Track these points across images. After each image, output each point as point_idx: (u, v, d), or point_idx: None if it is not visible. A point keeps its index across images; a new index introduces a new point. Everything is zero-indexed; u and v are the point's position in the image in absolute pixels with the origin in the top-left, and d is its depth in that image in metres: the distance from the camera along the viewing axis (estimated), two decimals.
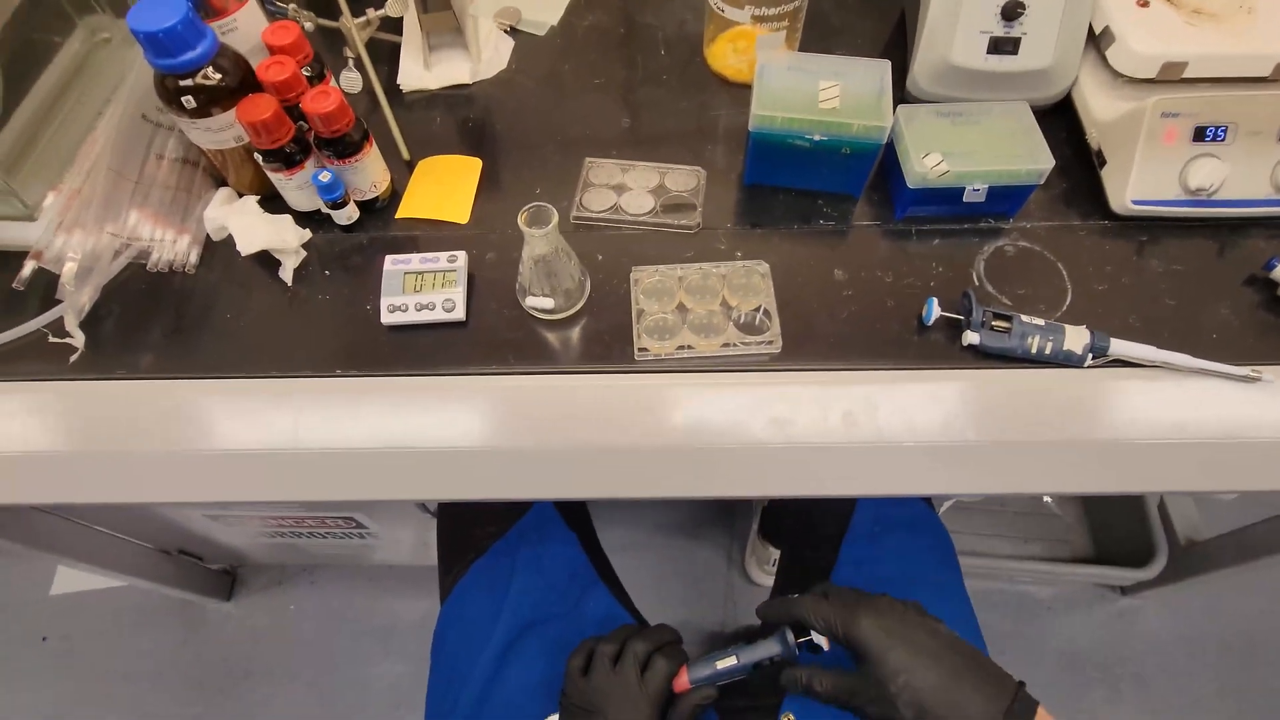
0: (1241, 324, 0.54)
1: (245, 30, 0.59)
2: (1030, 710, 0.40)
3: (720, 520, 1.32)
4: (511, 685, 0.57)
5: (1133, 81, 0.58)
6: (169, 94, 0.52)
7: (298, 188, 0.57)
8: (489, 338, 0.54)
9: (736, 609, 1.24)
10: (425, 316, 0.54)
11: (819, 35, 0.71)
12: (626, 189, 0.61)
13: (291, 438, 0.51)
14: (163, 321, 0.56)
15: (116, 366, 0.54)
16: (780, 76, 0.58)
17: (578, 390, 0.52)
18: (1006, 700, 0.40)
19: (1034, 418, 0.51)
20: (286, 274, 0.57)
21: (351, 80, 0.67)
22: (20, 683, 1.20)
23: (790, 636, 0.50)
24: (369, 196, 0.60)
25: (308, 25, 0.64)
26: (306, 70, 0.58)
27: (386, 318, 0.54)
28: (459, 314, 0.54)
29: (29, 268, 0.55)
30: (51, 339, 0.54)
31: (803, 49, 0.68)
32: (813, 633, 0.49)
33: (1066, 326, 0.52)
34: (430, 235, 0.60)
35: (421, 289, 0.54)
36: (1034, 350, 0.52)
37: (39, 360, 0.54)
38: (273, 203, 0.59)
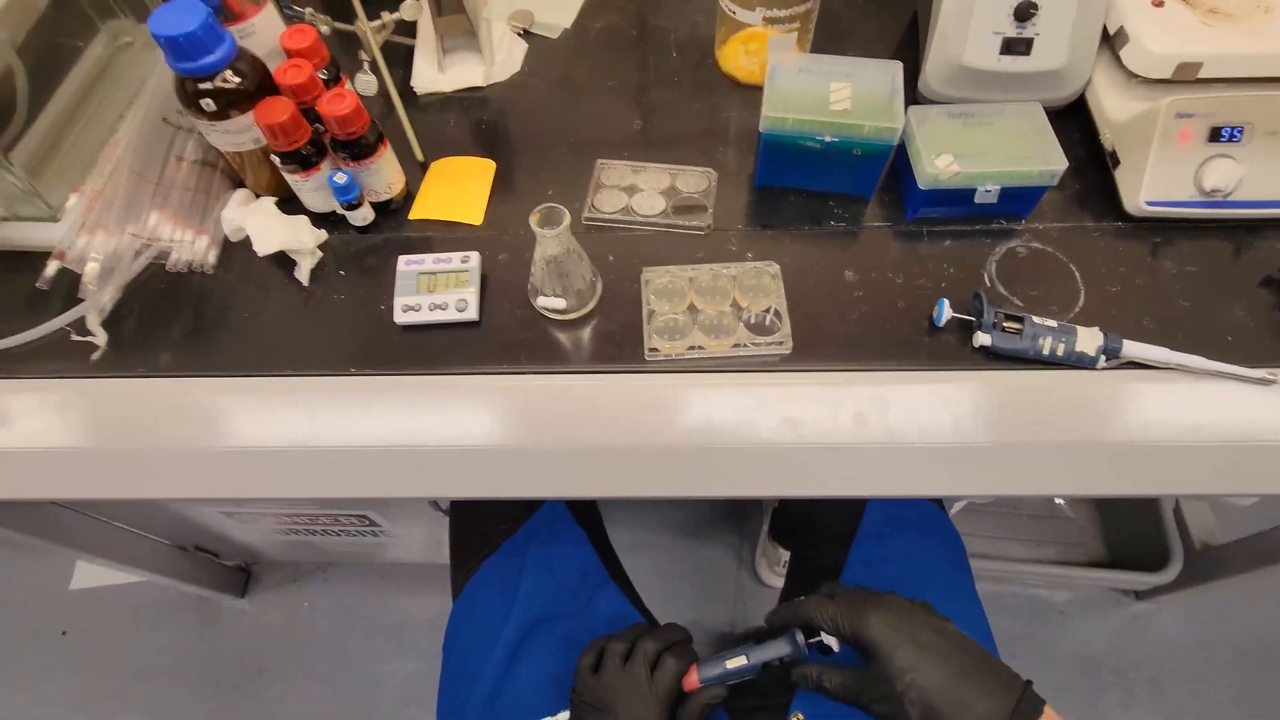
0: (1257, 326, 0.54)
1: (263, 34, 0.60)
2: (1037, 709, 0.40)
3: (730, 521, 1.32)
4: (522, 681, 0.57)
5: (1147, 82, 0.57)
6: (189, 97, 0.53)
7: (314, 189, 0.58)
8: (501, 338, 0.55)
9: (746, 610, 1.24)
10: (439, 316, 0.55)
11: (830, 37, 0.71)
12: (638, 190, 0.62)
13: (307, 435, 0.52)
14: (181, 321, 0.57)
15: (137, 364, 0.55)
16: (791, 78, 0.58)
17: (589, 390, 0.53)
18: (1013, 699, 0.40)
19: (1046, 419, 0.51)
20: (302, 274, 0.58)
21: (366, 83, 0.68)
22: (40, 676, 1.22)
23: (800, 637, 0.50)
24: (384, 198, 0.60)
25: (324, 29, 0.65)
26: (323, 73, 0.58)
27: (400, 317, 0.55)
28: (472, 314, 0.55)
29: (52, 267, 0.56)
30: (74, 337, 0.55)
31: (814, 50, 0.69)
32: (822, 634, 0.49)
33: (1079, 328, 0.52)
34: (444, 236, 0.61)
35: (435, 289, 0.55)
36: (1046, 352, 0.52)
37: (61, 358, 0.55)
38: (289, 204, 0.60)
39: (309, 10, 0.66)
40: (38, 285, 0.56)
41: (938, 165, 0.55)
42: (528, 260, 0.54)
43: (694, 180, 0.62)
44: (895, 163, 0.60)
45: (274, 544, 1.12)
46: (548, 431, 0.51)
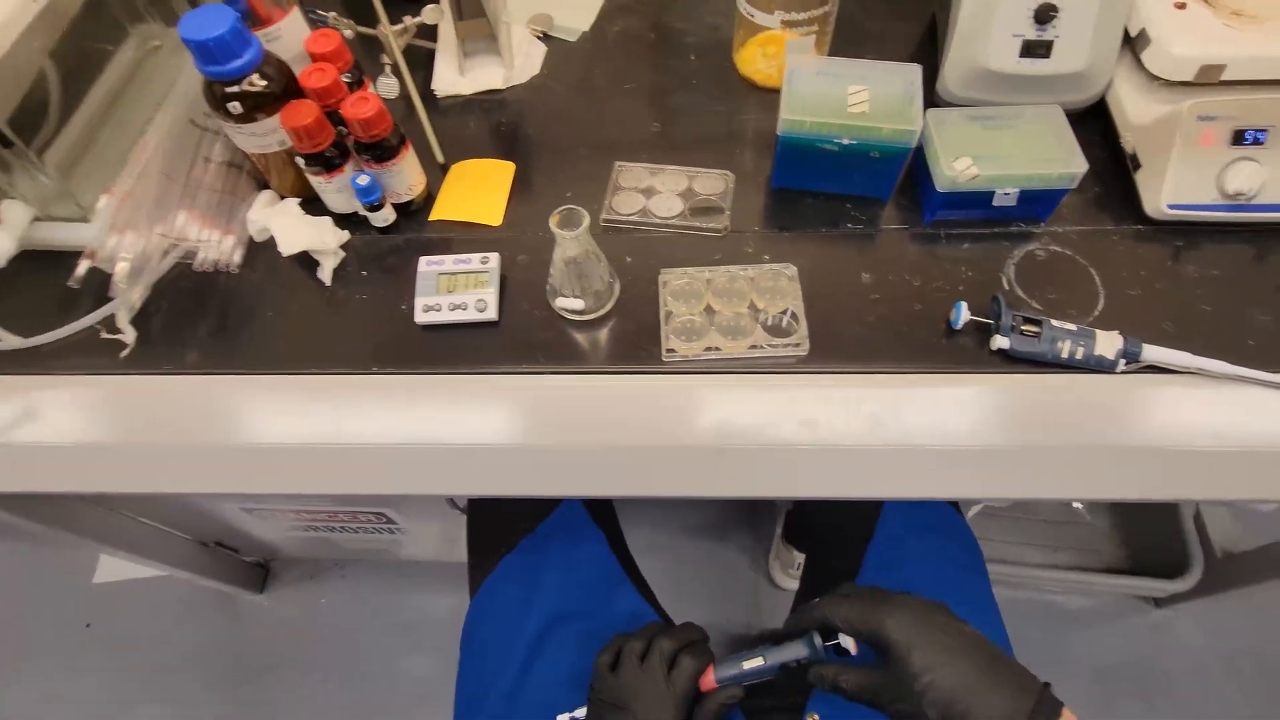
0: None
1: (289, 38, 0.61)
2: (1055, 711, 0.40)
3: (745, 523, 1.32)
4: (541, 677, 0.58)
5: (1169, 84, 0.57)
6: (216, 100, 0.54)
7: (337, 190, 0.59)
8: (520, 338, 0.56)
9: (761, 612, 1.24)
10: (458, 316, 0.55)
11: (848, 40, 0.71)
12: (655, 192, 0.62)
13: (329, 432, 0.53)
14: (208, 319, 0.58)
15: (164, 362, 0.56)
16: (809, 81, 0.58)
17: (606, 390, 0.53)
18: (1031, 700, 0.40)
19: (1064, 422, 0.51)
20: (325, 274, 0.59)
21: (388, 86, 0.69)
22: (65, 666, 1.24)
23: (817, 639, 0.50)
24: (405, 199, 0.61)
25: (347, 33, 0.65)
26: (346, 77, 0.59)
27: (421, 317, 0.56)
28: (491, 314, 0.55)
29: (83, 266, 0.57)
30: (104, 335, 0.56)
31: (832, 54, 0.69)
32: (840, 636, 0.49)
33: (1098, 331, 0.52)
34: (463, 237, 0.61)
35: (455, 289, 0.56)
36: (1065, 355, 0.52)
37: (91, 355, 0.56)
38: (312, 205, 0.61)
39: (333, 15, 0.67)
40: (69, 284, 0.57)
41: (956, 168, 0.55)
42: (546, 261, 0.55)
43: (711, 182, 0.62)
44: (912, 165, 0.60)
45: (292, 541, 1.13)
46: (565, 431, 0.52)
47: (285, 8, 0.61)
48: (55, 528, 0.79)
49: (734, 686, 0.52)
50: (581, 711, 0.54)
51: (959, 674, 0.41)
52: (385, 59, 0.69)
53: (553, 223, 0.49)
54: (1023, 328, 0.52)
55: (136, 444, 0.54)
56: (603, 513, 0.71)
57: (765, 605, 1.24)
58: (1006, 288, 0.56)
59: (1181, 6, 0.57)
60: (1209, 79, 0.55)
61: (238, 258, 0.60)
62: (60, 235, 0.59)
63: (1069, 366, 0.52)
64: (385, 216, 0.60)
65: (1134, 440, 0.50)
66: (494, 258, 0.57)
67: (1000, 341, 0.52)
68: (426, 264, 0.57)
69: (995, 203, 0.57)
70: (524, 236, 0.61)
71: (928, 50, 0.70)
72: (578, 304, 0.54)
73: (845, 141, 0.56)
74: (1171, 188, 0.55)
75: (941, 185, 0.56)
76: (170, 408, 0.54)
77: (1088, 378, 0.52)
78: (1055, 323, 0.52)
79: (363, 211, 0.60)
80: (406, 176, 0.60)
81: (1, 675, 1.24)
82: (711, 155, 0.65)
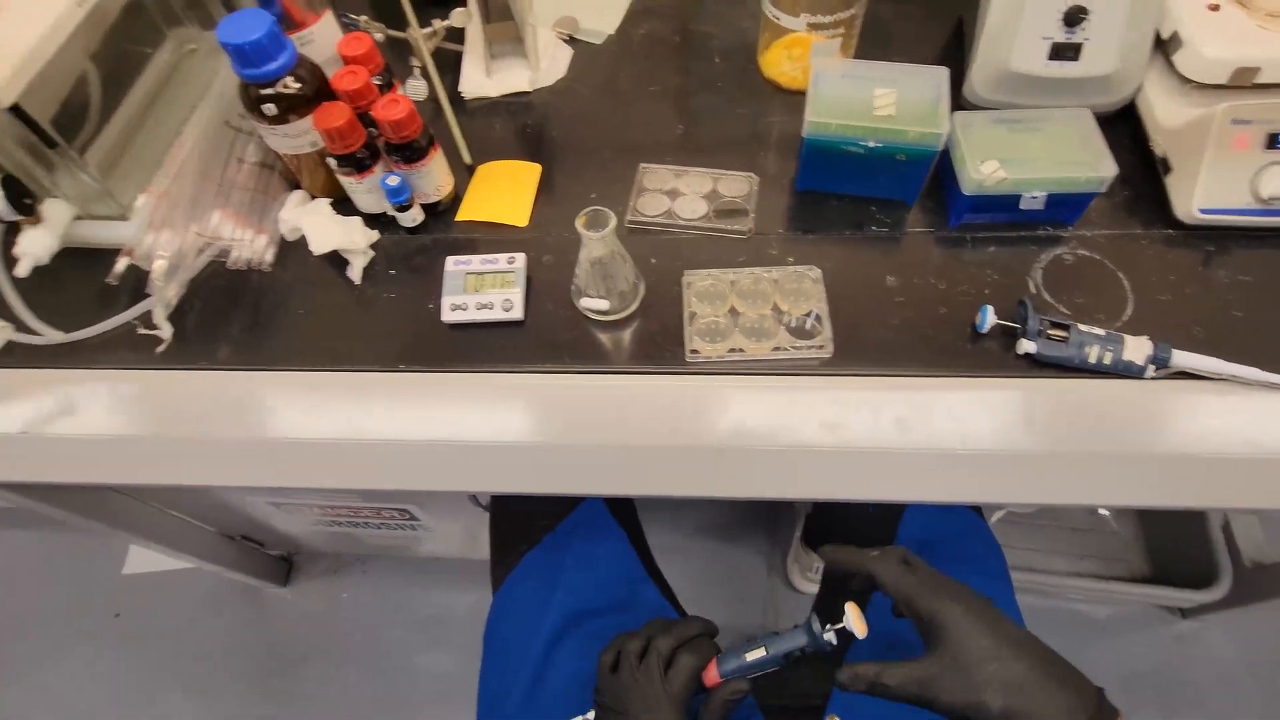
0: None
1: (321, 42, 0.62)
2: (1113, 716, 0.39)
3: (763, 525, 1.31)
4: (562, 673, 0.58)
5: (1201, 87, 0.56)
6: (252, 102, 0.55)
7: (367, 191, 0.60)
8: (545, 337, 0.56)
9: (779, 616, 1.23)
10: (485, 315, 0.56)
11: (873, 42, 0.71)
12: (680, 194, 0.62)
13: (357, 428, 0.54)
14: (240, 316, 0.59)
15: (198, 357, 0.57)
16: (835, 83, 0.58)
17: (630, 390, 0.54)
18: (1092, 703, 0.39)
19: (1091, 428, 0.50)
20: (355, 273, 0.60)
21: (417, 88, 0.70)
22: (94, 655, 1.27)
23: (816, 626, 0.48)
24: (433, 199, 0.62)
25: (378, 36, 0.67)
26: (377, 79, 0.60)
27: (448, 316, 0.56)
28: (517, 314, 0.56)
29: (122, 264, 0.59)
30: (141, 331, 0.58)
31: (857, 56, 0.69)
32: (845, 620, 0.46)
33: (1127, 336, 0.51)
34: (489, 237, 0.62)
35: (481, 289, 0.57)
36: (1092, 360, 0.51)
37: (128, 350, 0.58)
38: (341, 205, 0.62)
39: (364, 18, 0.68)
40: (108, 280, 0.59)
41: (983, 171, 0.55)
42: (571, 262, 0.55)
43: (735, 184, 0.63)
44: (938, 169, 0.60)
45: (316, 535, 1.15)
46: (589, 430, 0.52)
47: (318, 11, 0.62)
48: (89, 518, 0.81)
49: (739, 680, 0.49)
50: (591, 715, 0.53)
51: (1023, 665, 0.39)
52: (414, 62, 0.70)
53: (579, 223, 0.49)
54: (1049, 332, 0.52)
55: (171, 437, 0.55)
56: (624, 511, 0.71)
57: (783, 609, 1.24)
58: (1033, 292, 0.56)
59: (1215, 8, 0.57)
60: (1243, 82, 0.55)
61: (270, 256, 0.61)
62: (100, 233, 0.61)
63: (1096, 372, 0.52)
64: (413, 217, 0.61)
65: (1163, 447, 0.50)
66: (520, 258, 0.58)
67: (1026, 346, 0.52)
68: (454, 264, 0.58)
69: (1022, 206, 0.57)
70: (549, 237, 0.61)
71: (954, 53, 0.70)
72: (602, 304, 0.54)
73: (871, 144, 0.56)
74: (1203, 192, 0.55)
75: (968, 188, 0.56)
76: (203, 402, 0.56)
77: (1115, 383, 0.52)
78: (1083, 327, 0.52)
79: (391, 212, 0.61)
80: (435, 177, 0.61)
81: (34, 661, 1.27)
82: (736, 157, 0.65)
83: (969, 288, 0.56)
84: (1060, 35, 0.58)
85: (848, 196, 0.62)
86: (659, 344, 0.55)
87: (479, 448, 0.53)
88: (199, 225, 0.60)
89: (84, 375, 0.57)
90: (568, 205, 0.63)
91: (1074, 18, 0.56)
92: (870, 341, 0.54)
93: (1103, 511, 1.22)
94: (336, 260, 0.61)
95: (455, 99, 0.71)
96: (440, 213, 0.64)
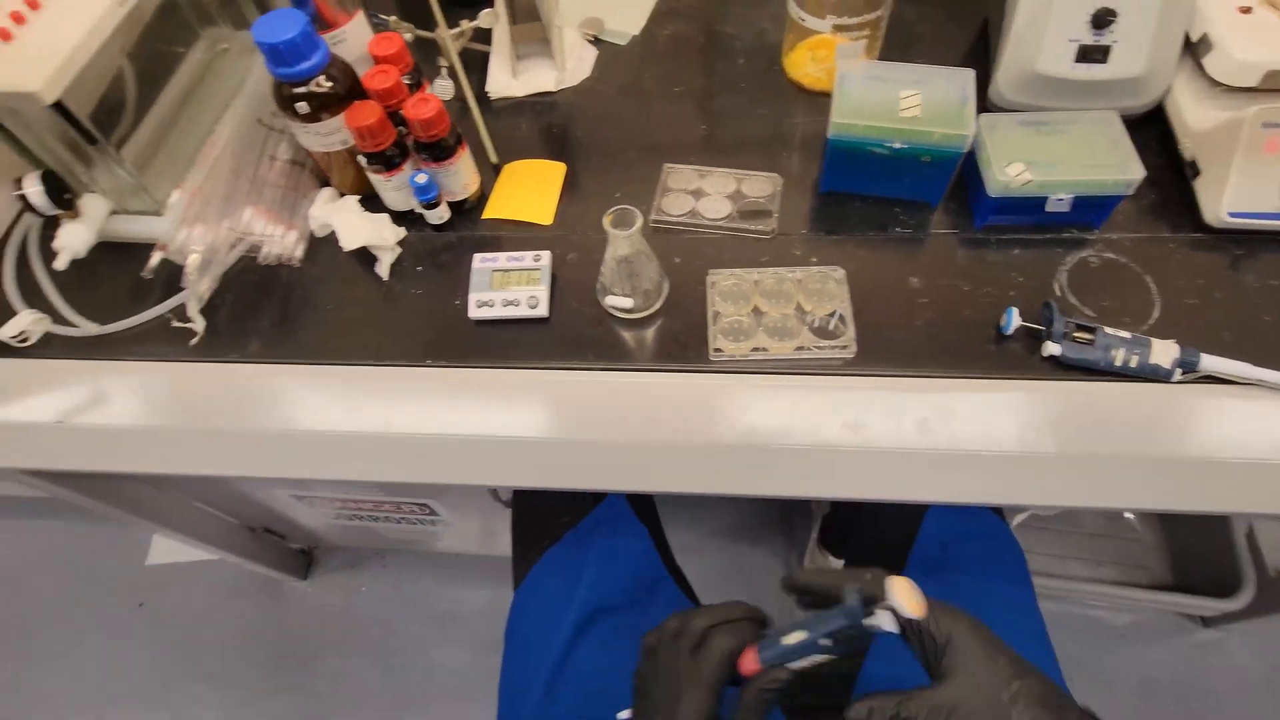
0: None
1: (353, 41, 0.63)
2: None
3: (779, 527, 1.31)
4: (583, 668, 0.58)
5: (1231, 90, 0.56)
6: (285, 100, 0.56)
7: (395, 189, 0.61)
8: (570, 334, 0.57)
9: (793, 618, 1.23)
10: (510, 312, 0.57)
11: (898, 44, 0.71)
12: (704, 194, 0.63)
13: (384, 422, 0.54)
14: (270, 310, 0.60)
15: (229, 350, 0.58)
16: (860, 84, 0.58)
17: (653, 387, 0.54)
18: None
19: (1116, 431, 0.50)
20: (383, 269, 0.61)
21: (444, 88, 0.71)
22: (117, 644, 1.29)
23: (854, 600, 0.41)
24: (459, 197, 0.63)
25: (407, 36, 0.67)
26: (406, 79, 0.61)
27: (474, 312, 0.57)
28: (542, 310, 0.57)
29: (156, 258, 0.60)
30: (174, 324, 0.59)
31: (882, 58, 0.69)
32: (891, 599, 0.40)
33: (1154, 340, 0.51)
34: (514, 235, 0.63)
35: (507, 286, 0.57)
36: (1118, 363, 0.51)
37: (161, 342, 0.59)
38: (369, 202, 0.63)
39: (393, 18, 0.69)
40: (142, 274, 0.60)
41: (1009, 173, 0.55)
42: (595, 260, 0.56)
43: (759, 185, 0.63)
44: (963, 170, 0.60)
45: (336, 529, 1.16)
46: (613, 426, 0.53)
47: (350, 11, 0.63)
48: (118, 508, 0.82)
49: (779, 669, 0.43)
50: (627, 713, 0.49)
51: (1043, 684, 0.38)
52: (442, 61, 0.71)
53: (606, 222, 0.50)
54: (1075, 334, 0.52)
55: (202, 428, 0.56)
56: (646, 509, 0.71)
57: (798, 612, 1.23)
58: (1058, 294, 0.56)
59: (1246, 10, 0.56)
60: (1274, 85, 0.54)
61: (300, 252, 0.62)
62: (135, 228, 0.62)
63: (1122, 375, 0.52)
64: (440, 214, 0.62)
65: (1189, 451, 0.49)
66: (546, 255, 0.59)
67: (1052, 348, 0.52)
68: (480, 260, 0.59)
69: (1048, 209, 0.57)
70: (574, 236, 0.62)
71: (979, 54, 0.70)
72: (627, 302, 0.55)
73: (896, 145, 0.56)
74: (1233, 195, 0.54)
75: (994, 190, 0.56)
76: (234, 394, 0.57)
77: (1142, 386, 0.52)
78: (1109, 330, 0.52)
79: (419, 209, 0.62)
80: (462, 175, 0.61)
81: (58, 649, 1.29)
82: (759, 158, 0.65)
83: (993, 289, 0.56)
84: (1088, 37, 0.57)
85: (871, 198, 0.62)
86: (683, 342, 0.56)
87: (504, 442, 0.53)
88: (231, 221, 0.61)
89: (118, 367, 0.58)
90: (592, 204, 0.63)
91: (1102, 20, 0.56)
92: (894, 342, 0.54)
93: (1128, 515, 1.21)
94: (364, 256, 0.62)
95: (482, 99, 0.72)
96: (466, 210, 0.64)
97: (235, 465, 0.57)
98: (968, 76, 0.57)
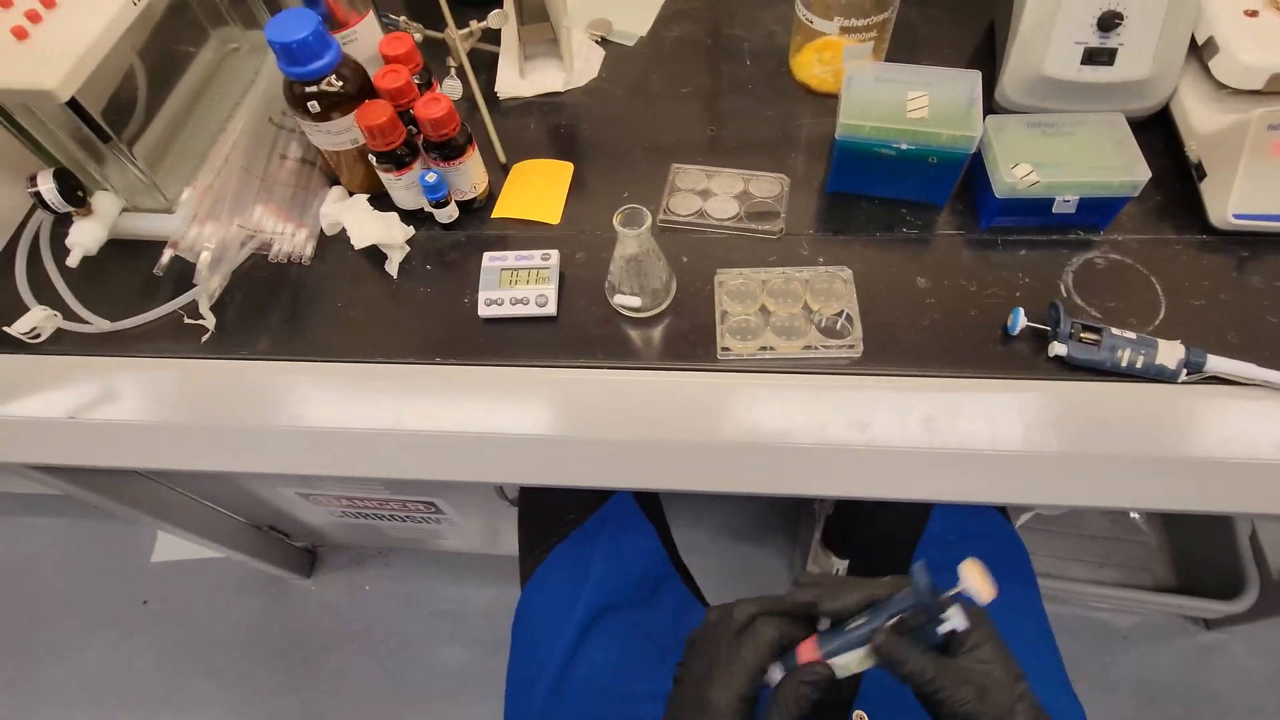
0: None
1: (364, 41, 0.63)
2: None
3: (784, 527, 1.31)
4: (590, 664, 0.59)
5: (1237, 93, 0.56)
6: (296, 99, 0.56)
7: (405, 187, 0.61)
8: (577, 333, 0.57)
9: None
10: (519, 310, 0.57)
11: (905, 46, 0.71)
12: (711, 194, 0.63)
13: (393, 419, 0.55)
14: (280, 308, 0.60)
15: (239, 347, 0.59)
16: (868, 85, 0.59)
17: (662, 386, 0.55)
18: None
19: (1122, 430, 0.50)
20: (392, 267, 0.61)
21: (453, 87, 0.72)
22: (122, 640, 1.30)
23: (925, 580, 0.39)
24: (468, 196, 0.63)
25: (416, 36, 0.68)
26: (416, 78, 0.61)
27: (483, 310, 0.57)
28: (551, 309, 0.57)
29: (167, 255, 0.60)
30: (186, 320, 0.59)
31: (889, 60, 0.69)
32: (964, 584, 0.39)
33: (1160, 340, 0.51)
34: (523, 234, 0.63)
35: (516, 284, 0.58)
36: (1124, 364, 0.51)
37: (171, 339, 0.59)
38: (378, 201, 0.63)
39: (403, 18, 0.70)
40: (154, 272, 0.60)
41: (1015, 174, 0.55)
42: (603, 259, 0.56)
43: (766, 185, 0.63)
44: (969, 172, 0.60)
45: (340, 527, 1.17)
46: (620, 424, 0.53)
47: (361, 11, 0.63)
48: (126, 504, 0.83)
49: (819, 664, 0.41)
50: None
51: (1032, 693, 0.39)
52: (450, 61, 0.71)
53: (616, 221, 0.50)
54: (1081, 335, 0.52)
55: (212, 424, 0.56)
56: (653, 507, 0.72)
57: None
58: (1064, 295, 0.56)
59: (1253, 14, 0.57)
60: (1279, 88, 0.55)
61: (309, 250, 0.62)
62: (146, 225, 0.63)
63: (1128, 375, 0.52)
64: (449, 213, 0.63)
65: (1195, 451, 0.50)
66: (554, 254, 0.59)
67: (1058, 348, 0.52)
68: (489, 259, 0.59)
69: (1054, 210, 0.57)
70: (581, 235, 0.62)
71: (985, 57, 0.70)
72: (635, 301, 0.55)
73: (903, 146, 0.56)
74: (1238, 197, 0.55)
75: (1000, 192, 0.56)
76: (244, 391, 0.57)
77: (1147, 387, 0.52)
78: (1115, 331, 0.52)
79: (428, 208, 0.62)
80: (471, 175, 0.62)
81: (63, 646, 1.30)
82: (766, 159, 0.66)
83: (999, 290, 0.57)
84: (1094, 40, 0.58)
85: (878, 198, 0.62)
86: (690, 341, 0.56)
87: (512, 439, 0.54)
88: (242, 219, 0.61)
89: (129, 363, 0.59)
90: (600, 204, 0.64)
91: (1109, 23, 0.56)
92: (900, 342, 0.55)
93: (1134, 515, 1.21)
94: (374, 255, 0.62)
95: (490, 99, 0.72)
96: (475, 209, 0.65)
97: (245, 461, 0.58)
98: (975, 78, 0.57)
